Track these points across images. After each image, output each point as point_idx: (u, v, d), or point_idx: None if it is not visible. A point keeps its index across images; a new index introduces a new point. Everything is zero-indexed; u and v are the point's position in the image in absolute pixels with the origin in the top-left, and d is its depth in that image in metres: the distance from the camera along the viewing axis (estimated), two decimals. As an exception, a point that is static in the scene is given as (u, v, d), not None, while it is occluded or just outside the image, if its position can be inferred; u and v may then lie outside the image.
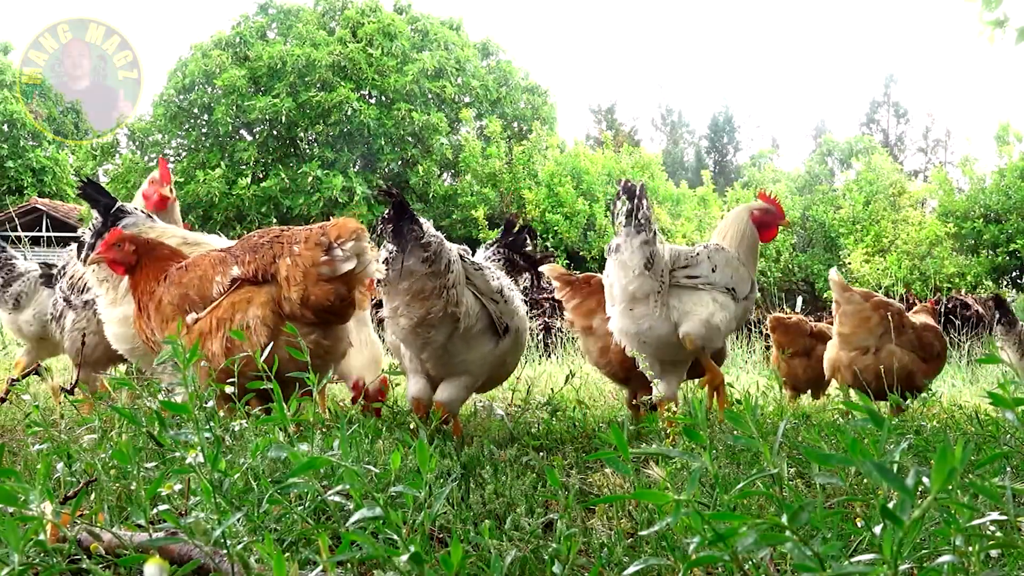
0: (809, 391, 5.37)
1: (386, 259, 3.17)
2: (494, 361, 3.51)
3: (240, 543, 1.57)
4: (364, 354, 4.02)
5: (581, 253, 20.07)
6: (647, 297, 3.62)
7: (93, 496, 2.07)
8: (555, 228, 19.99)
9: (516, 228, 4.18)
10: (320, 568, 1.56)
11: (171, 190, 4.43)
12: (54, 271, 4.90)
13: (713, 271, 3.73)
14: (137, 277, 3.28)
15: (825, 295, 20.16)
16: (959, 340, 10.17)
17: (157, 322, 3.18)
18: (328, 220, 3.12)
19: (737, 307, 3.79)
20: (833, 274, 4.78)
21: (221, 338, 2.98)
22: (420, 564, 1.38)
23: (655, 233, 3.59)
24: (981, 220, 19.12)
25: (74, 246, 4.34)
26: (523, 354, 3.83)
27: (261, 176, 23.18)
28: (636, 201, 3.57)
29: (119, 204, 3.75)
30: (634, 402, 4.27)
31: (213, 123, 23.33)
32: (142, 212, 3.86)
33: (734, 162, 48.12)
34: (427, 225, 3.22)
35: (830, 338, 5.00)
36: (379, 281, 3.21)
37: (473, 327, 3.37)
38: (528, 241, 4.13)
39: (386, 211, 3.16)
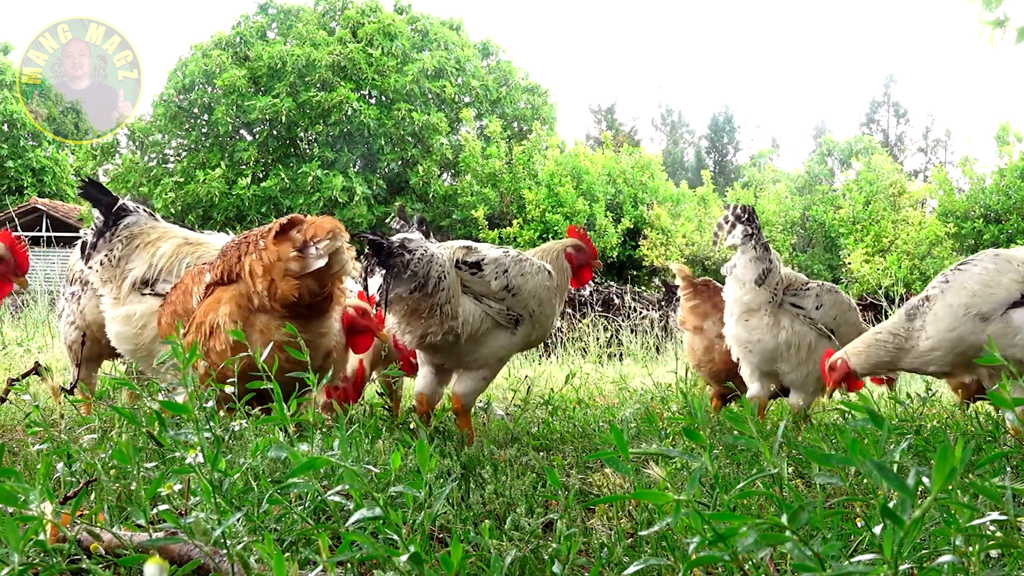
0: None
1: (379, 286, 3.20)
2: (512, 348, 3.53)
3: (240, 543, 1.57)
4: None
5: (581, 253, 20.03)
6: (760, 309, 4.00)
7: (93, 496, 2.07)
8: (555, 228, 19.97)
9: (416, 219, 4.07)
10: (320, 568, 1.56)
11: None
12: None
13: (817, 308, 4.09)
14: None
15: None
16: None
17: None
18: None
19: (832, 344, 4.12)
20: None
21: (201, 345, 2.99)
22: (420, 564, 1.38)
23: (767, 250, 3.98)
24: (981, 220, 19.09)
25: (79, 244, 4.32)
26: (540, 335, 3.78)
27: (261, 176, 23.17)
28: (748, 223, 4.02)
29: (121, 202, 3.71)
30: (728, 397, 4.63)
31: (213, 123, 23.31)
32: (144, 211, 3.83)
33: (734, 162, 48.13)
34: (414, 246, 3.19)
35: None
36: (377, 304, 3.23)
37: (478, 331, 3.36)
38: (428, 230, 4.13)
39: (367, 248, 3.16)
